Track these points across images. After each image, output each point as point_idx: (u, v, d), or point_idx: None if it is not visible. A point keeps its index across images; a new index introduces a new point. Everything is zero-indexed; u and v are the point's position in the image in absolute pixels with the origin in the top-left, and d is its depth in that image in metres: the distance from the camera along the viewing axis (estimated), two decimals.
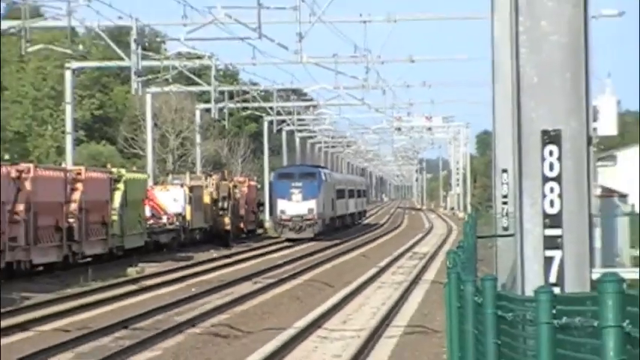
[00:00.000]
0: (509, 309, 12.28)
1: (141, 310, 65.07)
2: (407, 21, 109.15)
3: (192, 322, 59.57)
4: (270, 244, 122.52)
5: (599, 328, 9.20)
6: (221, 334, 56.07)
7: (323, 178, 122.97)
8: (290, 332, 54.83)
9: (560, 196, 14.39)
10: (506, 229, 30.41)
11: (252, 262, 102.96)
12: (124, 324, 58.60)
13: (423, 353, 44.00)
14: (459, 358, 16.39)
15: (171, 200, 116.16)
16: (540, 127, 14.79)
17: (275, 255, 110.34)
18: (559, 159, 14.53)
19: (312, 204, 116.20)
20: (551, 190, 14.30)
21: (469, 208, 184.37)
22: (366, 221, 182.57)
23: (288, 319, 59.70)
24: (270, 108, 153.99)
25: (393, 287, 78.02)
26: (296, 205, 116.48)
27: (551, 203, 14.03)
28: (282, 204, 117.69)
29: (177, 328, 57.31)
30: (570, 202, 14.50)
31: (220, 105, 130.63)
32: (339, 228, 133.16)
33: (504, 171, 29.58)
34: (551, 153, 14.16)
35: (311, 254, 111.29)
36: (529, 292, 12.13)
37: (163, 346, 52.16)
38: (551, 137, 14.44)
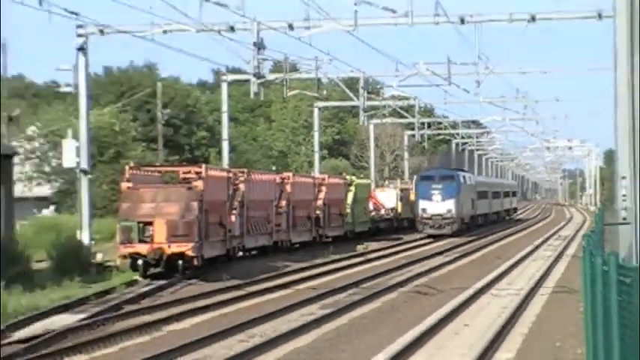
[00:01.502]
0: (627, 275, 11.92)
1: (366, 275, 64.92)
2: (556, 71, 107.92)
3: (401, 284, 59.35)
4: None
5: None
6: (421, 292, 55.78)
7: (462, 180, 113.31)
8: (470, 291, 54.44)
9: None
10: (624, 219, 29.64)
11: (440, 242, 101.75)
12: (354, 285, 58.48)
13: (566, 306, 43.33)
14: (591, 310, 15.93)
15: (387, 198, 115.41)
16: None
17: (446, 240, 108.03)
18: None
19: (450, 204, 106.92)
20: None
21: (599, 204, 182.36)
22: (521, 216, 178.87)
23: (470, 282, 59.25)
24: (457, 134, 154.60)
25: (544, 259, 77.38)
26: (436, 204, 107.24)
27: None
28: (423, 203, 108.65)
29: (392, 288, 57.07)
30: None
31: (421, 132, 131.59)
32: (481, 225, 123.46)
33: (623, 178, 28.76)
34: None
35: (485, 237, 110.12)
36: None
37: (382, 300, 51.95)
38: None
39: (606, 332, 13.97)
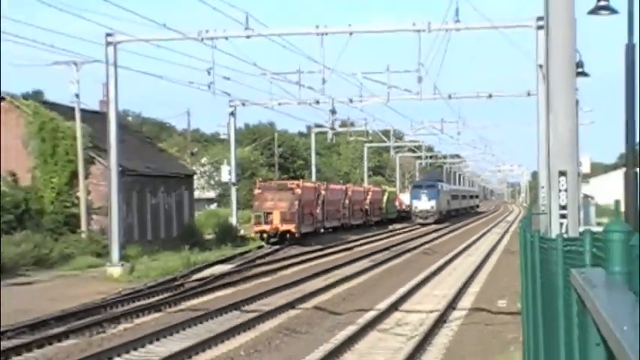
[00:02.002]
0: (544, 243, 11.89)
1: (393, 243, 64.64)
2: (506, 124, 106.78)
3: (414, 248, 58.96)
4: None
5: (583, 250, 8.61)
6: (426, 253, 55.45)
7: (440, 187, 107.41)
8: (454, 252, 54.05)
9: (566, 197, 13.83)
10: (543, 211, 29.41)
11: (433, 227, 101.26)
12: (386, 249, 58.34)
13: (510, 261, 42.98)
14: (524, 264, 15.76)
15: (405, 199, 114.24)
16: (558, 168, 14.18)
17: (439, 226, 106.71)
18: (566, 181, 13.98)
19: (433, 203, 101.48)
20: (562, 194, 13.79)
21: (528, 202, 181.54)
22: (483, 209, 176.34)
23: (453, 248, 58.80)
24: (446, 161, 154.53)
25: (497, 234, 76.85)
26: (423, 203, 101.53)
27: (563, 198, 13.56)
28: (415, 202, 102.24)
29: (409, 251, 56.71)
30: (570, 200, 13.90)
31: (425, 161, 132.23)
32: (454, 216, 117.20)
33: (542, 187, 28.58)
34: (562, 179, 13.68)
35: (458, 223, 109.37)
36: (553, 236, 11.73)
37: (403, 258, 51.40)
38: (562, 173, 13.90)
39: (533, 276, 13.88)
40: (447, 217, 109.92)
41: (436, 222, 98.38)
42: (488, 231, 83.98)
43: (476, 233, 78.64)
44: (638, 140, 17.84)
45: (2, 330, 23.56)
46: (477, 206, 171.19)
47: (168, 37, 40.44)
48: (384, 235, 77.09)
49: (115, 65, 40.72)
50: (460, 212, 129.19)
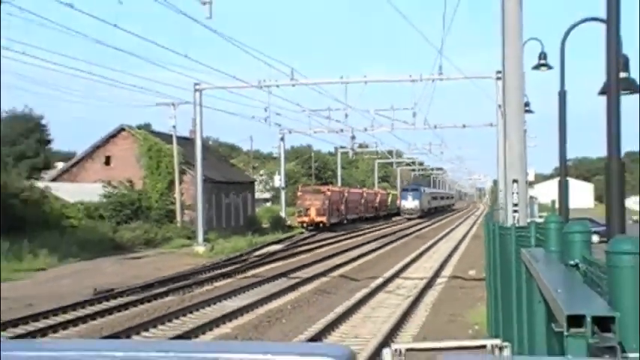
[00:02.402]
0: (503, 230, 11.79)
1: (394, 230, 63.91)
2: (480, 146, 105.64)
3: (410, 234, 58.21)
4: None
5: (529, 235, 8.54)
6: (419, 237, 54.85)
7: (422, 190, 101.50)
8: (438, 237, 53.60)
9: (518, 197, 13.71)
10: (501, 207, 29.22)
11: (420, 221, 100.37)
12: (392, 234, 57.83)
13: (478, 243, 42.65)
14: (487, 245, 15.64)
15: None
16: (512, 177, 14.07)
17: (422, 220, 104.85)
18: (518, 186, 13.86)
19: (417, 202, 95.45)
20: (515, 195, 13.69)
21: (490, 202, 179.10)
22: (457, 207, 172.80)
23: (437, 235, 58.24)
24: (433, 173, 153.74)
25: (468, 225, 76.02)
26: (409, 202, 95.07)
27: (515, 199, 13.49)
28: (403, 202, 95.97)
29: (407, 236, 56.23)
30: (521, 199, 13.77)
31: (418, 172, 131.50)
32: (433, 213, 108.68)
33: (500, 190, 28.36)
34: (515, 184, 13.59)
35: (440, 221, 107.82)
36: (508, 225, 11.63)
37: (402, 241, 50.77)
38: (515, 180, 13.81)
39: (494, 253, 13.75)
40: (428, 213, 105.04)
41: (419, 217, 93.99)
42: (461, 223, 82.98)
43: (453, 224, 77.91)
44: (566, 158, 17.81)
45: (124, 289, 23.71)
46: (453, 205, 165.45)
47: (237, 85, 40.55)
48: (388, 225, 76.65)
49: (200, 105, 40.95)
50: (439, 209, 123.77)
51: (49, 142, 68.85)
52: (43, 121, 67.98)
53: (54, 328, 17.60)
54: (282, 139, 66.55)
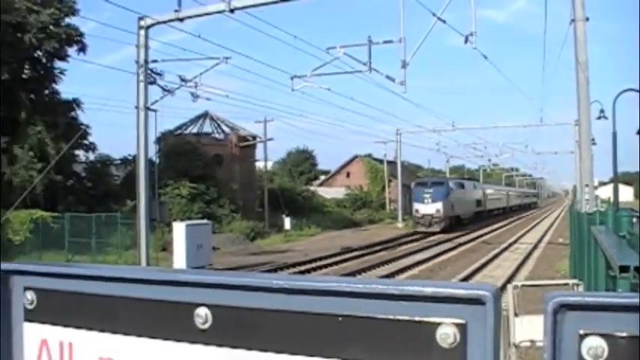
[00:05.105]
0: (581, 215, 10.85)
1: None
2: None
3: None
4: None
5: (596, 218, 8.04)
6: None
7: (450, 188, 31.81)
8: (541, 218, 47.64)
9: (588, 195, 11.71)
10: (579, 201, 22.14)
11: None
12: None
13: (563, 224, 37.11)
14: (571, 223, 12.53)
15: None
16: (584, 183, 12.35)
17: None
18: (588, 189, 11.95)
19: (438, 206, 30.39)
20: (586, 194, 12.34)
21: (572, 198, 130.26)
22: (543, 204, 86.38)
23: (537, 218, 49.23)
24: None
25: (551, 218, 47.17)
26: (426, 206, 30.57)
27: (587, 196, 12.52)
28: (417, 205, 31.17)
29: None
30: (590, 196, 11.79)
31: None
32: (485, 218, 39.77)
33: (579, 191, 21.87)
34: (586, 188, 11.78)
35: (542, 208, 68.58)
36: (583, 212, 10.05)
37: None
38: (586, 185, 12.26)
39: (574, 229, 12.89)
40: (519, 208, 60.37)
41: (442, 231, 36.48)
42: (555, 210, 63.82)
43: (551, 210, 63.80)
44: (617, 174, 16.70)
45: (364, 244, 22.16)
46: (536, 202, 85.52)
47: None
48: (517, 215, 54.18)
49: (399, 149, 40.90)
50: (522, 207, 65.42)
51: (315, 164, 66.56)
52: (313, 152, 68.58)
53: (320, 268, 17.03)
54: (447, 161, 52.84)
